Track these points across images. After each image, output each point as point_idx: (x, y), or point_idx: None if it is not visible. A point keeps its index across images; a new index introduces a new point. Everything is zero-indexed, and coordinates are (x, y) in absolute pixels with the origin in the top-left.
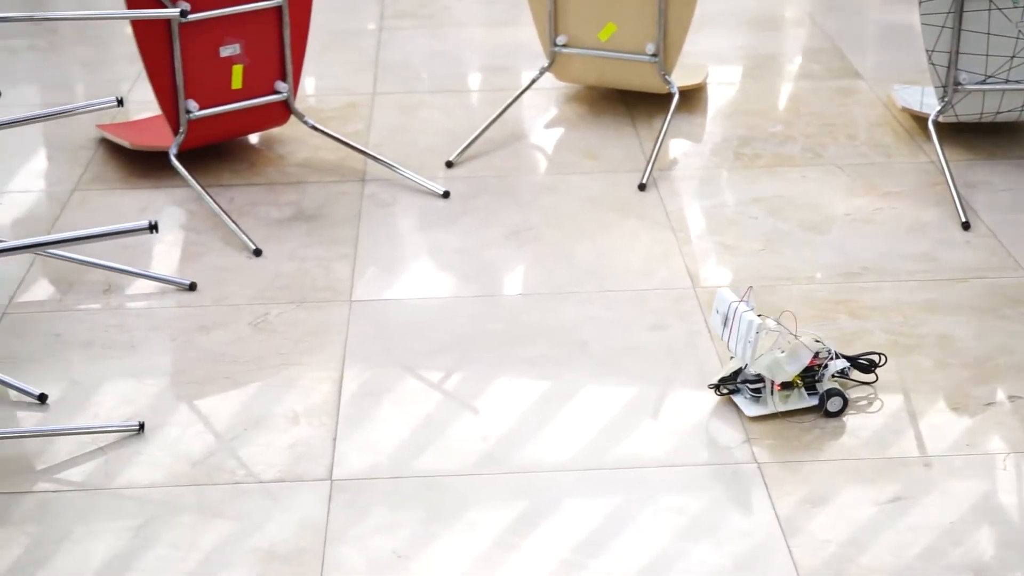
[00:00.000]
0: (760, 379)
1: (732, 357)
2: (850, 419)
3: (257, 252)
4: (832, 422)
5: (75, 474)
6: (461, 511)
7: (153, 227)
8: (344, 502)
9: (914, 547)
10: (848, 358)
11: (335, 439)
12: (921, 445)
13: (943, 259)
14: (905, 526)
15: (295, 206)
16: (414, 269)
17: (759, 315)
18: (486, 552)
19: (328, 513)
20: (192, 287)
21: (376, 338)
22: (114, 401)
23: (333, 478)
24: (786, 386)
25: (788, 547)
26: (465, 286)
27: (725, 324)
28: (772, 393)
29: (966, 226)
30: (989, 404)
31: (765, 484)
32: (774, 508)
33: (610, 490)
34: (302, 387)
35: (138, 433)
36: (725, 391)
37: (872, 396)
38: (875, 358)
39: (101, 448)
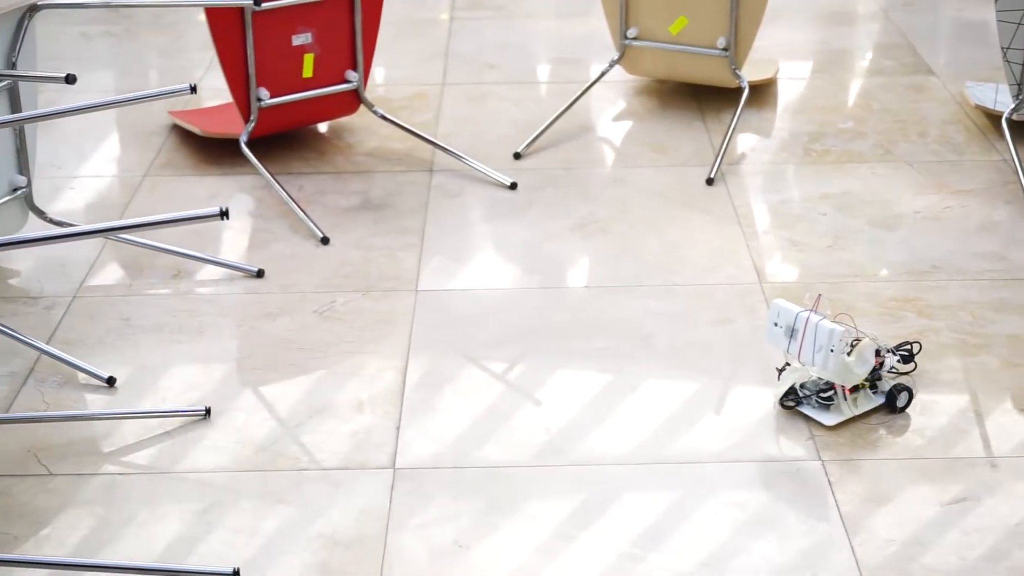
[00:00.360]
0: (828, 386)
1: (784, 368)
2: (915, 418)
3: (324, 240)
4: (898, 420)
5: (141, 457)
6: (521, 502)
7: (224, 213)
8: (406, 491)
9: (978, 548)
10: (889, 351)
11: (398, 428)
12: (987, 445)
13: (1013, 258)
14: (970, 527)
15: (363, 195)
16: (479, 260)
17: (835, 321)
18: (545, 543)
19: (390, 501)
20: (260, 274)
21: (440, 328)
22: (181, 386)
23: (396, 467)
24: (854, 388)
25: (851, 545)
26: (530, 278)
27: (791, 336)
28: (844, 398)
29: None
30: None
31: (829, 482)
32: (837, 506)
33: (670, 484)
34: (366, 375)
35: (204, 418)
36: (791, 403)
37: (938, 397)
38: (912, 347)
39: (167, 432)
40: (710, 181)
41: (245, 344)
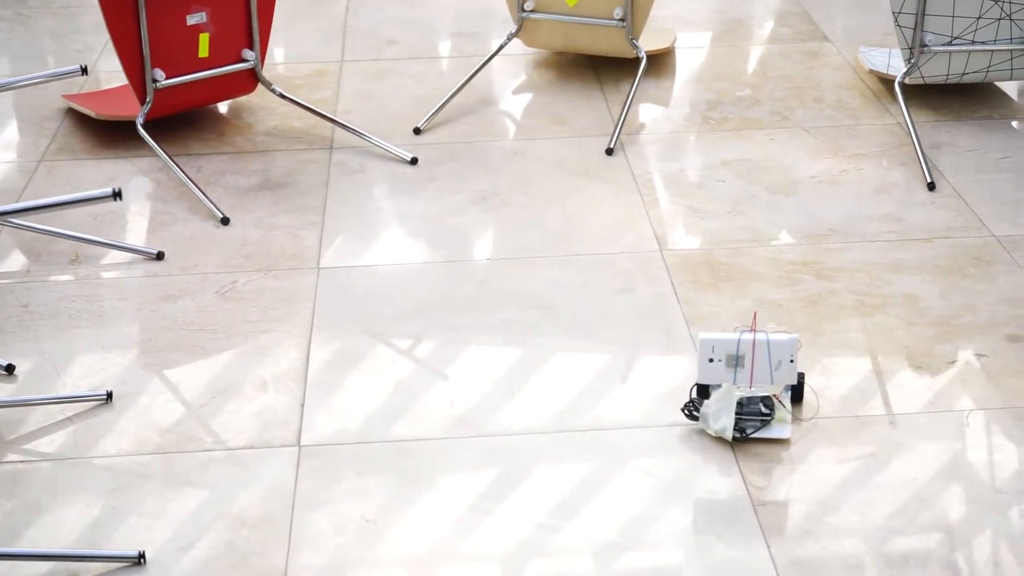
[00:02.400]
0: (764, 402)
1: (693, 408)
2: (817, 379)
3: (224, 221)
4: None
5: (44, 444)
6: (430, 476)
7: (117, 194)
8: (313, 468)
9: (882, 506)
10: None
11: (303, 406)
12: (887, 404)
13: (909, 220)
14: (873, 485)
15: (263, 174)
16: (382, 236)
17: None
18: (458, 516)
19: (296, 479)
20: (160, 256)
21: (344, 305)
22: (82, 371)
23: (301, 444)
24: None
25: (755, 508)
26: (433, 252)
27: (736, 365)
28: (783, 405)
29: (931, 187)
30: (953, 362)
31: (732, 446)
32: (740, 470)
33: (582, 454)
34: (270, 355)
35: (106, 402)
36: (740, 435)
37: (838, 358)
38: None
39: (70, 418)
40: (610, 151)
41: (147, 327)
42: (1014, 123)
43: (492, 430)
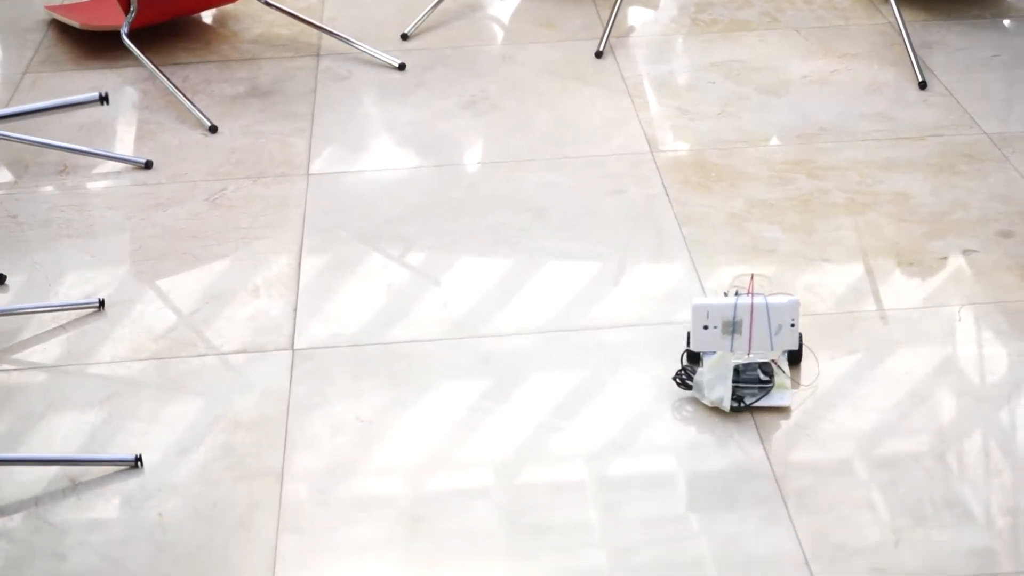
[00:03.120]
0: (763, 369)
1: (687, 376)
2: (807, 276)
3: (212, 129)
4: (795, 280)
5: (38, 353)
6: (426, 378)
7: (104, 99)
8: (307, 371)
9: (874, 405)
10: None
11: (296, 310)
12: (879, 301)
13: (900, 118)
14: (865, 383)
15: (250, 82)
16: (371, 142)
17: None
18: (452, 417)
19: (291, 382)
20: (148, 165)
21: (335, 211)
22: (74, 280)
23: (295, 348)
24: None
25: (751, 409)
26: (423, 157)
27: (733, 331)
28: (782, 370)
29: (923, 85)
30: (944, 258)
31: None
32: None
33: (576, 355)
34: (262, 261)
35: (99, 310)
36: (738, 404)
37: (829, 255)
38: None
39: (63, 327)
40: (599, 54)
41: (137, 236)
42: (1005, 22)
43: (486, 332)
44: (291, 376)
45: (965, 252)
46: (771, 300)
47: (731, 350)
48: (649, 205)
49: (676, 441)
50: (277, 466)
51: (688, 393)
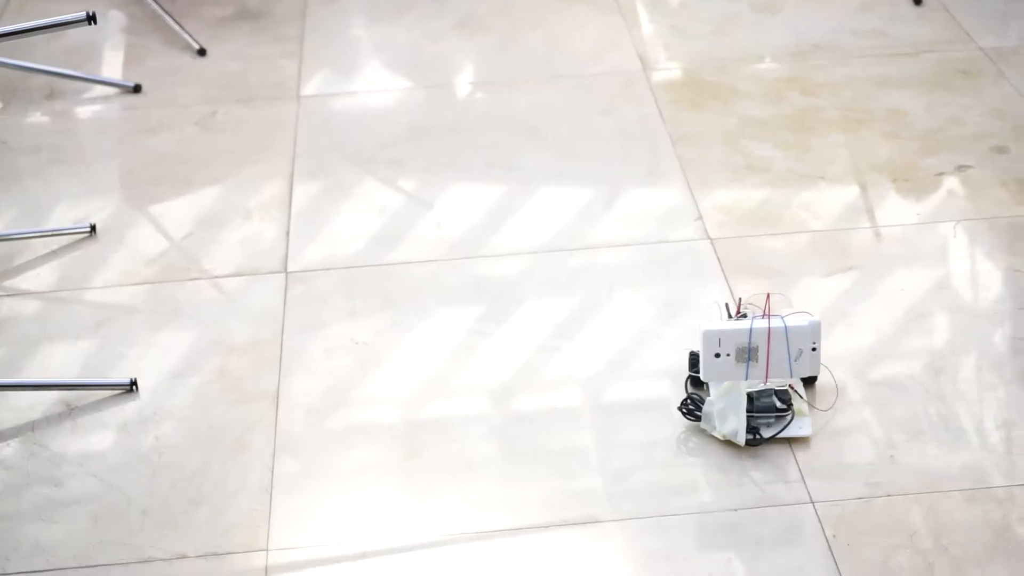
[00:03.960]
0: (779, 397)
1: (691, 407)
2: (802, 194)
3: (201, 52)
4: (790, 198)
5: (30, 280)
6: (420, 299)
7: (91, 18)
8: (300, 294)
9: (866, 324)
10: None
11: (288, 233)
12: (873, 218)
13: (894, 34)
14: (857, 295)
15: (238, 4)
16: (362, 64)
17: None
18: (451, 340)
19: (285, 305)
20: (137, 89)
21: (326, 134)
22: (64, 206)
23: (288, 271)
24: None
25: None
26: (414, 79)
27: (749, 358)
28: (800, 395)
29: (918, 1)
30: (939, 175)
31: (719, 259)
32: (730, 287)
33: (572, 275)
34: (253, 184)
35: (90, 236)
36: (764, 435)
37: (823, 172)
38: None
39: (53, 252)
40: None
41: (127, 160)
42: None
43: (481, 254)
44: (285, 299)
45: (959, 168)
46: (790, 323)
47: (746, 378)
48: (642, 124)
49: (671, 365)
50: (272, 389)
51: (696, 424)
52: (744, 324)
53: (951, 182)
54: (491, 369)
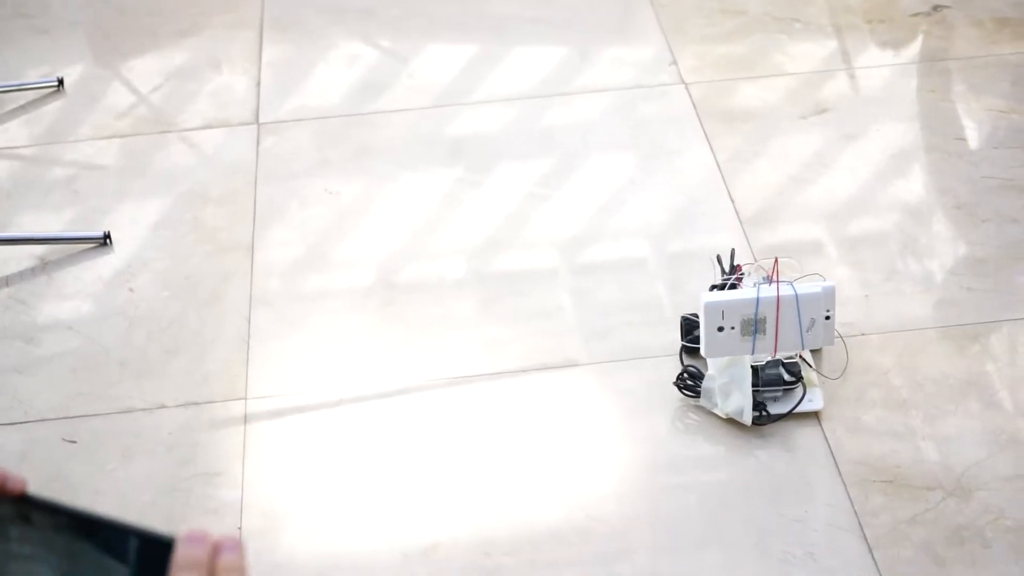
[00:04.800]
0: (788, 368)
1: (689, 382)
2: (777, 37)
3: None
4: (762, 48)
5: None
6: (392, 150)
7: None
8: (273, 144)
9: (842, 179)
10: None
11: (259, 84)
12: (847, 60)
13: None
14: (835, 140)
15: None
16: None
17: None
18: (424, 189)
19: (257, 156)
20: None
21: None
22: (29, 60)
23: (260, 122)
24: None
25: (725, 184)
26: None
27: (755, 331)
28: (809, 365)
29: None
30: (915, 15)
31: (693, 104)
32: (708, 141)
33: (550, 125)
34: (221, 36)
35: (58, 90)
36: (772, 411)
37: (800, 27)
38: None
39: (23, 107)
40: None
41: (93, 16)
42: None
43: (454, 101)
44: (257, 150)
45: (935, 8)
46: (801, 289)
47: (752, 353)
48: None
49: (648, 226)
50: (247, 240)
51: (694, 401)
52: (749, 293)
53: (926, 23)
54: (468, 225)
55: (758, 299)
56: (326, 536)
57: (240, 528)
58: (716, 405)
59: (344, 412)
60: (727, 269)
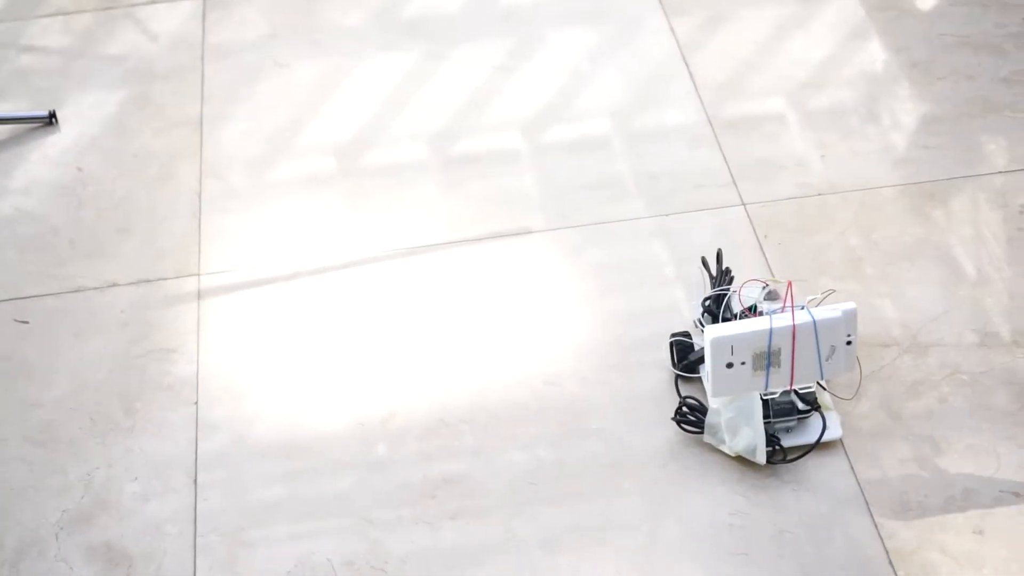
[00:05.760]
0: (801, 397)
1: (689, 417)
2: None
3: None
4: None
5: None
6: (343, 24)
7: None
8: (218, 19)
9: (806, 58)
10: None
11: None
12: None
13: None
14: (795, 35)
15: None
16: None
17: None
18: (374, 65)
19: (203, 31)
20: None
21: None
22: None
23: None
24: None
25: (688, 70)
26: None
27: (769, 364)
28: (824, 388)
29: None
30: None
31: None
32: (664, 11)
33: (510, 3)
34: None
35: None
36: (786, 446)
37: None
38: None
39: None
40: None
41: None
42: None
43: None
44: (203, 25)
45: None
46: (819, 315)
47: (766, 389)
48: None
49: (609, 104)
50: (196, 115)
51: (697, 436)
52: (761, 324)
53: None
54: (427, 106)
55: (771, 330)
56: (283, 409)
57: (196, 403)
58: (724, 442)
59: (300, 285)
60: (714, 273)
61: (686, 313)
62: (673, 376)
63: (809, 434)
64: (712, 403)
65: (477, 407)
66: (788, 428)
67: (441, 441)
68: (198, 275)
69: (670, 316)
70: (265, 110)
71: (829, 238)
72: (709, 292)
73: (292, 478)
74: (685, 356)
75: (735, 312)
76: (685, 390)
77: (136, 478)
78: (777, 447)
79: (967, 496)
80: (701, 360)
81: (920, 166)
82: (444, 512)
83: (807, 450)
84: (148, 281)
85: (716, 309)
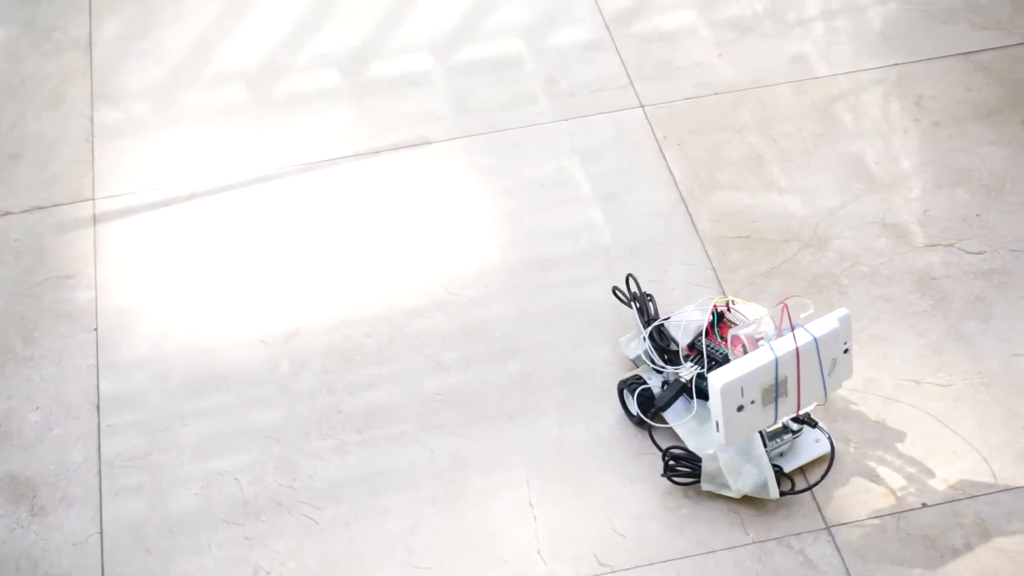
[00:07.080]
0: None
1: (679, 468)
2: None
3: None
4: None
5: None
6: None
7: None
8: None
9: None
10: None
11: None
12: None
13: None
14: None
15: None
16: None
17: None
18: None
19: None
20: None
21: None
22: None
23: None
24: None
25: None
26: None
27: (777, 396)
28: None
29: None
30: None
31: None
32: None
33: None
34: None
35: None
36: (787, 469)
37: None
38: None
39: None
40: None
41: None
42: None
43: None
44: None
45: None
46: (818, 331)
47: (775, 421)
48: None
49: (520, 21)
50: (84, 37)
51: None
52: (766, 357)
53: None
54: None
55: (777, 360)
56: (184, 330)
57: (96, 329)
58: (726, 487)
59: (198, 206)
60: (628, 299)
61: (597, 238)
62: (630, 424)
63: (803, 450)
64: (709, 451)
65: (380, 318)
66: (781, 453)
67: (345, 356)
68: (93, 200)
69: (571, 215)
70: (155, 28)
71: (728, 136)
72: (648, 327)
73: (196, 399)
74: (648, 405)
75: (681, 343)
76: (663, 443)
77: (38, 407)
78: (781, 471)
79: (868, 385)
80: (670, 403)
81: (816, 60)
82: (351, 426)
83: (823, 474)
84: (42, 208)
85: (661, 341)
